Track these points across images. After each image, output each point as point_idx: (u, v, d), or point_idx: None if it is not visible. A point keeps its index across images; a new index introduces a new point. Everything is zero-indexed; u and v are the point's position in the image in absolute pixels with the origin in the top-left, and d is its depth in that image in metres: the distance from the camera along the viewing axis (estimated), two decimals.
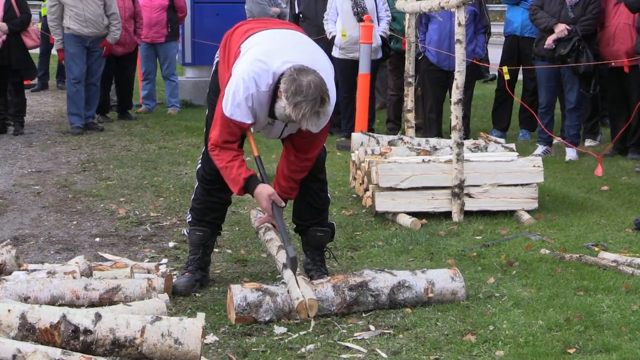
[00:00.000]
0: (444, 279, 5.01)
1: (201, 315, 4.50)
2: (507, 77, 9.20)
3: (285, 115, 4.71)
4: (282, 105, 4.69)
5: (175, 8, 12.70)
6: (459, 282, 5.02)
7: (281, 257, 4.92)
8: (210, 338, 4.48)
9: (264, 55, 4.80)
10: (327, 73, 4.86)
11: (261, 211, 5.38)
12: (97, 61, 11.21)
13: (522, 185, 7.04)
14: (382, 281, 4.91)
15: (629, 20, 9.06)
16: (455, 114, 7.02)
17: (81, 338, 3.82)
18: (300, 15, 11.22)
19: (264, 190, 4.96)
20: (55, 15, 10.92)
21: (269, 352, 4.36)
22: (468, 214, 6.94)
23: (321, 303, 4.78)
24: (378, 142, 7.83)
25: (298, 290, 4.63)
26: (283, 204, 5.05)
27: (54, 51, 14.77)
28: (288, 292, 4.74)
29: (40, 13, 16.19)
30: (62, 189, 8.06)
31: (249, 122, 4.87)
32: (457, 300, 4.99)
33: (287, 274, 4.87)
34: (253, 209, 5.92)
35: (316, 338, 4.52)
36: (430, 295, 4.94)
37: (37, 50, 13.39)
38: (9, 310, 3.88)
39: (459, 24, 7.00)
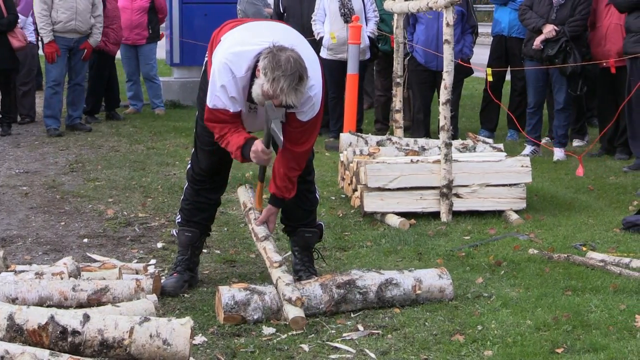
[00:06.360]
0: (432, 277, 5.04)
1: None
2: (490, 78, 9.19)
3: (263, 92, 4.65)
4: (260, 82, 4.65)
5: (155, 9, 12.66)
6: (446, 280, 5.04)
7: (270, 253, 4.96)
8: (199, 339, 4.47)
9: (239, 43, 4.81)
10: (311, 59, 4.85)
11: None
12: (80, 61, 11.15)
13: (510, 185, 7.05)
14: (369, 279, 4.92)
15: (620, 20, 9.06)
16: (443, 114, 7.03)
17: (69, 339, 3.81)
18: (285, 14, 11.21)
19: (258, 145, 4.87)
20: (47, 6, 10.69)
21: (257, 352, 4.35)
22: (456, 214, 6.95)
23: (309, 302, 4.78)
24: (366, 143, 7.82)
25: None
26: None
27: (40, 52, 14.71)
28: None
29: None
30: (50, 190, 8.03)
31: (232, 109, 4.84)
32: (445, 297, 5.01)
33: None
34: (241, 187, 5.76)
35: (305, 338, 4.52)
36: (418, 292, 4.95)
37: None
38: None
39: (447, 25, 7.00)
